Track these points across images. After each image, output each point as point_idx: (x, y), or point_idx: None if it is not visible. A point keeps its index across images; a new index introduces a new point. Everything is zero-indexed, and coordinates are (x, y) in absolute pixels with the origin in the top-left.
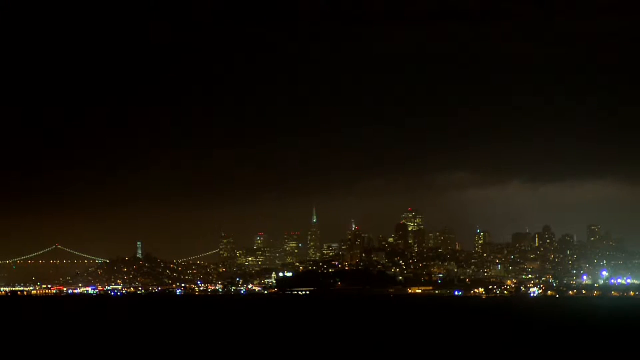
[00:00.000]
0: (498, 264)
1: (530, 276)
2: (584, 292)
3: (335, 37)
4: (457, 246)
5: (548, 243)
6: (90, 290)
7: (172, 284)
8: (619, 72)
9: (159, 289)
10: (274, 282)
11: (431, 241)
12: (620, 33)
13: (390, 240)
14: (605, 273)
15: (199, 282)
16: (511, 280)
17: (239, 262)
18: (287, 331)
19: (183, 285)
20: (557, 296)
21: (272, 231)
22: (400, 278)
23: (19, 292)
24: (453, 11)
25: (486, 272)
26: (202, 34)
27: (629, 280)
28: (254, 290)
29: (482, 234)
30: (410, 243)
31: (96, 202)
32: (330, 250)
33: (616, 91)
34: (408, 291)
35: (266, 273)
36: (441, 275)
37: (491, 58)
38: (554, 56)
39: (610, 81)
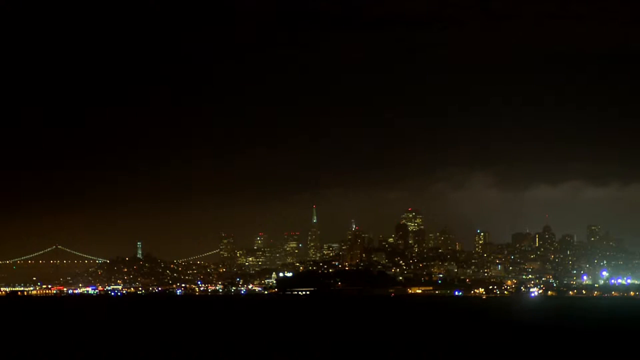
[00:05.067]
0: (498, 264)
1: (530, 276)
2: (584, 292)
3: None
4: (457, 246)
5: (548, 243)
6: (90, 290)
7: (172, 284)
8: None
9: (159, 289)
10: (274, 282)
11: (431, 241)
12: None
13: (390, 240)
14: (605, 273)
15: (199, 282)
16: (511, 280)
17: (239, 262)
18: (287, 331)
19: (183, 285)
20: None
21: (272, 231)
22: (400, 278)
23: (19, 292)
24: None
25: (486, 272)
26: (202, 34)
27: (629, 280)
28: (254, 290)
29: (482, 234)
30: (410, 243)
31: (96, 202)
32: (330, 250)
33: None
34: (408, 291)
35: (266, 273)
36: (441, 275)
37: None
38: None
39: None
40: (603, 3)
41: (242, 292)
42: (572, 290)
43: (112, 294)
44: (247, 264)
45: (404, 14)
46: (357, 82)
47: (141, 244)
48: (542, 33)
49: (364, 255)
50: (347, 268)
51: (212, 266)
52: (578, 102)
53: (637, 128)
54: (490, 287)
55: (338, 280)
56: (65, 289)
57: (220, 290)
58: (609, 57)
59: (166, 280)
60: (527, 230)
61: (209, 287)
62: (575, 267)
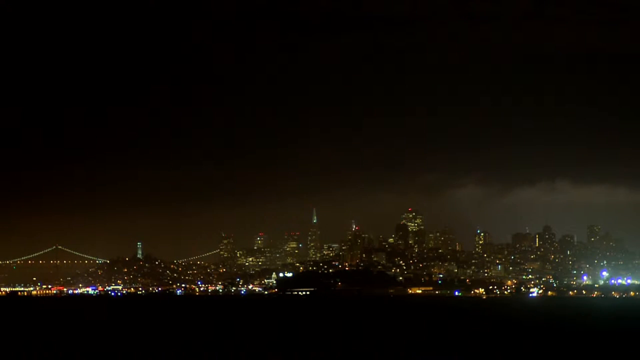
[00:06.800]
0: (498, 264)
1: (530, 276)
2: (584, 292)
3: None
4: (457, 246)
5: (548, 243)
6: (90, 290)
7: (172, 284)
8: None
9: (159, 289)
10: (274, 282)
11: (431, 241)
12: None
13: (390, 240)
14: (605, 273)
15: (199, 283)
16: (511, 281)
17: (239, 262)
18: (287, 331)
19: (183, 285)
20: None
21: (272, 231)
22: (400, 278)
23: (19, 292)
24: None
25: (486, 273)
26: (203, 34)
27: (629, 281)
28: (254, 290)
29: (482, 234)
30: (411, 243)
31: (96, 202)
32: (330, 250)
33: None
34: (408, 291)
35: (266, 273)
36: (441, 276)
37: None
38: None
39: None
40: (580, 5)
41: (242, 292)
42: (572, 291)
43: (112, 294)
44: (247, 264)
45: (382, 15)
46: (353, 83)
47: (141, 244)
48: (520, 34)
49: (364, 255)
50: (347, 268)
51: (212, 266)
52: (576, 102)
53: (637, 128)
54: (491, 287)
55: (338, 280)
56: (65, 289)
57: (220, 291)
58: (586, 58)
59: (166, 281)
60: (527, 230)
61: (209, 287)
62: (575, 267)
